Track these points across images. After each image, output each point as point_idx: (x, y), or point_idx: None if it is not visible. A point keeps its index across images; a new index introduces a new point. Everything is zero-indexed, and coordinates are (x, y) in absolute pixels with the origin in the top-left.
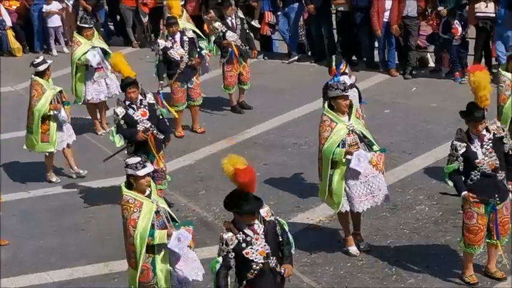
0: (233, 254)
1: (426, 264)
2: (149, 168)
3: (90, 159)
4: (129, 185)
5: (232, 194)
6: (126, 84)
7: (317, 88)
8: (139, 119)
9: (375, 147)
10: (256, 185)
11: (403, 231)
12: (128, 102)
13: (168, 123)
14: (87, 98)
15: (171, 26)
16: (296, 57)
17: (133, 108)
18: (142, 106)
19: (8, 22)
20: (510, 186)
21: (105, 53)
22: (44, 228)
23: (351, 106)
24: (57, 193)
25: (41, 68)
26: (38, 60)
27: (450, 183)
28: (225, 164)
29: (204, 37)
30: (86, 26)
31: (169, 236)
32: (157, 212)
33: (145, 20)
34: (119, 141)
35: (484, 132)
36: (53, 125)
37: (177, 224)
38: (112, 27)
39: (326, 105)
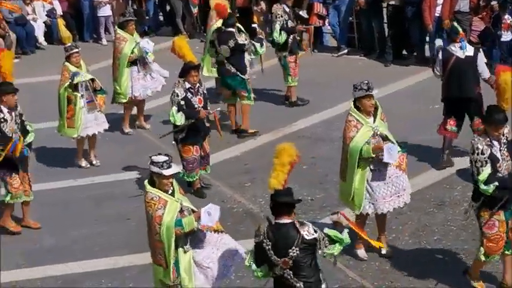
0: None
1: None
2: (175, 169)
3: (139, 150)
4: (152, 183)
5: (284, 192)
6: (190, 67)
7: None
8: (196, 105)
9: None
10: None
11: (450, 228)
12: (188, 86)
13: None
14: (134, 94)
15: None
16: (345, 51)
17: (191, 93)
18: (199, 94)
19: (59, 11)
20: None
21: None
22: (88, 217)
23: (376, 108)
24: (103, 182)
25: (67, 53)
26: (67, 46)
27: (491, 188)
28: (285, 146)
29: (243, 31)
30: (130, 18)
31: (197, 219)
32: (181, 211)
33: (195, 10)
34: (180, 120)
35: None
36: (78, 111)
37: None
38: (161, 18)
39: (352, 105)
